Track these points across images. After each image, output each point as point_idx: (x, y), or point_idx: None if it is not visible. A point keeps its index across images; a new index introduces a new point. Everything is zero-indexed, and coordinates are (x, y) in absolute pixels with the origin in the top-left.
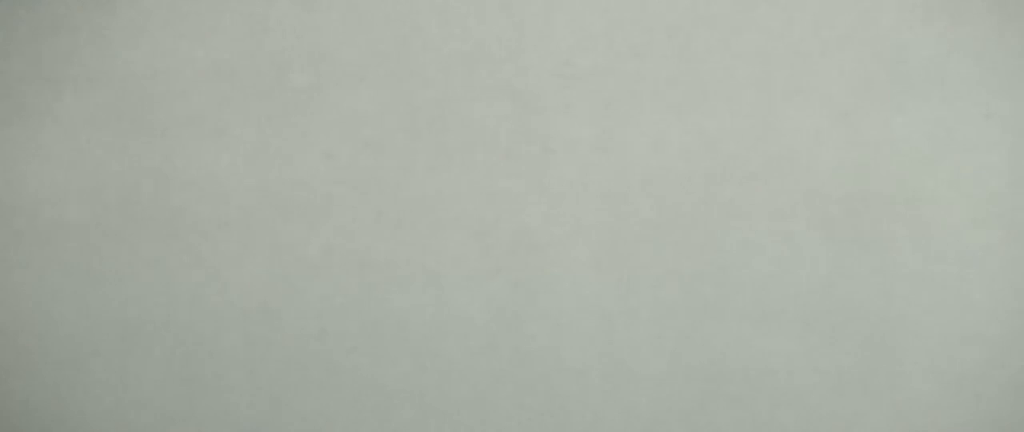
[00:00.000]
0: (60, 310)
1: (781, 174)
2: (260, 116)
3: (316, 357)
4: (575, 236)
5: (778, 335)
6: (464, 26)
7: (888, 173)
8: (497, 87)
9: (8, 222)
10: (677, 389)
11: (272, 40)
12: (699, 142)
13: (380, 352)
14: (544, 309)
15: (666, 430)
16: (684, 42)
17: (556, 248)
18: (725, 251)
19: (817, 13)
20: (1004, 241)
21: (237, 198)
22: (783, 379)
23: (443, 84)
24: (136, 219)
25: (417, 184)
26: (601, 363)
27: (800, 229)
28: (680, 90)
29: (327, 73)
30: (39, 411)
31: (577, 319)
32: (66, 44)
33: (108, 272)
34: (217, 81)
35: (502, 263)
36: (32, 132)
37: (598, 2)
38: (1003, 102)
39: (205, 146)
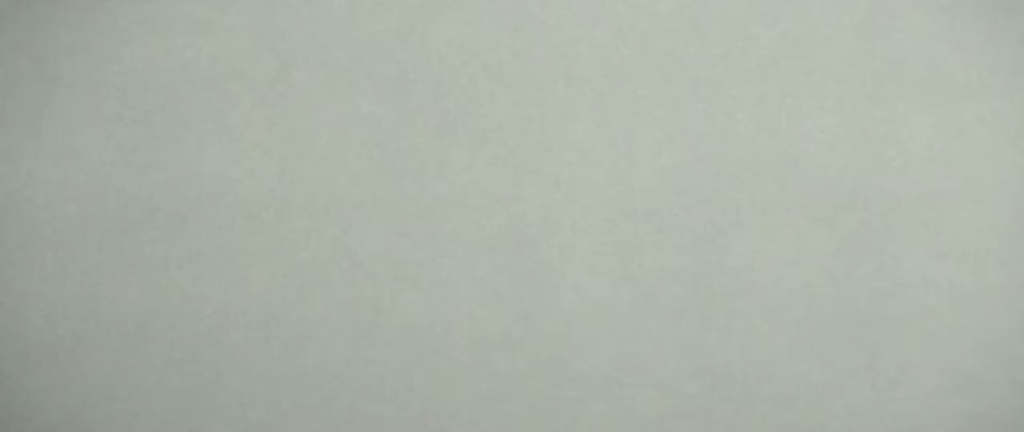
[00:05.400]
0: (61, 310)
1: (786, 174)
2: (263, 116)
3: (318, 356)
4: (579, 236)
5: (783, 333)
6: (468, 28)
7: (892, 173)
8: (501, 88)
9: (9, 221)
10: (682, 388)
11: (275, 41)
12: (704, 143)
13: (383, 352)
14: (548, 309)
15: (668, 427)
16: (689, 43)
17: (560, 248)
18: (729, 251)
19: (822, 14)
20: (1007, 241)
21: (239, 198)
22: (788, 377)
23: (446, 85)
24: (138, 219)
25: (421, 184)
26: (605, 361)
27: (805, 229)
28: (685, 91)
29: (330, 74)
30: (39, 411)
31: (581, 318)
32: (68, 44)
33: (110, 271)
34: (220, 81)
35: (506, 263)
36: (34, 132)
37: (602, 3)
38: (1007, 103)
39: (207, 146)
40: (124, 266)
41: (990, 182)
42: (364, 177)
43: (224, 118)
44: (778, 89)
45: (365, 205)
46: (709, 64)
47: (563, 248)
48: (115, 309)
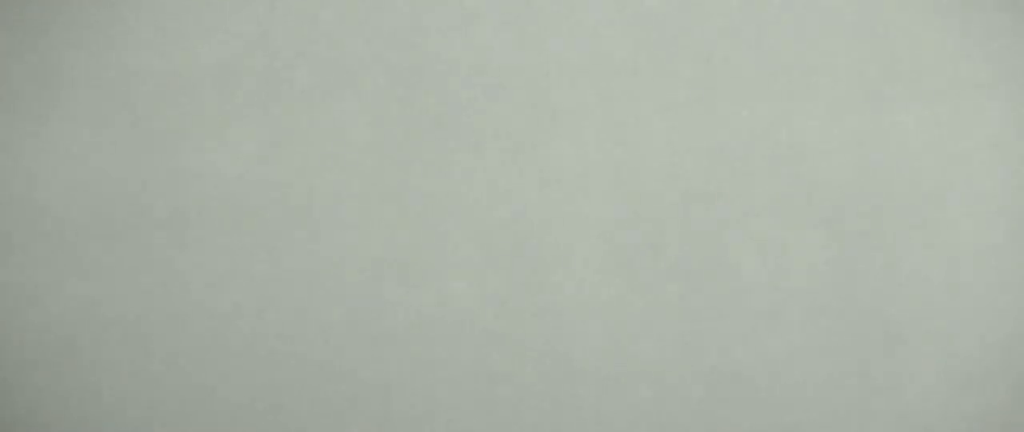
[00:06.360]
0: (61, 310)
1: (785, 173)
2: (264, 117)
3: (318, 355)
4: (579, 235)
5: (781, 332)
6: (468, 28)
7: (891, 173)
8: (501, 88)
9: (10, 220)
10: (681, 386)
11: (276, 41)
12: (704, 142)
13: (383, 351)
14: (547, 307)
15: (669, 427)
16: (689, 43)
17: (560, 247)
18: (729, 250)
19: (822, 14)
20: (1007, 241)
21: (240, 198)
22: (788, 376)
23: (447, 85)
24: (139, 219)
25: (421, 184)
26: (605, 360)
27: (804, 228)
28: (685, 90)
29: (331, 74)
30: (39, 411)
31: (580, 317)
32: (70, 44)
33: (110, 271)
34: (220, 82)
35: (506, 262)
36: (35, 132)
37: (602, 4)
38: (1007, 103)
39: (208, 146)
40: (124, 266)
41: (990, 182)
42: (364, 177)
43: (224, 118)
44: (778, 89)
45: (365, 205)
46: (709, 64)
47: (563, 247)
48: (115, 309)
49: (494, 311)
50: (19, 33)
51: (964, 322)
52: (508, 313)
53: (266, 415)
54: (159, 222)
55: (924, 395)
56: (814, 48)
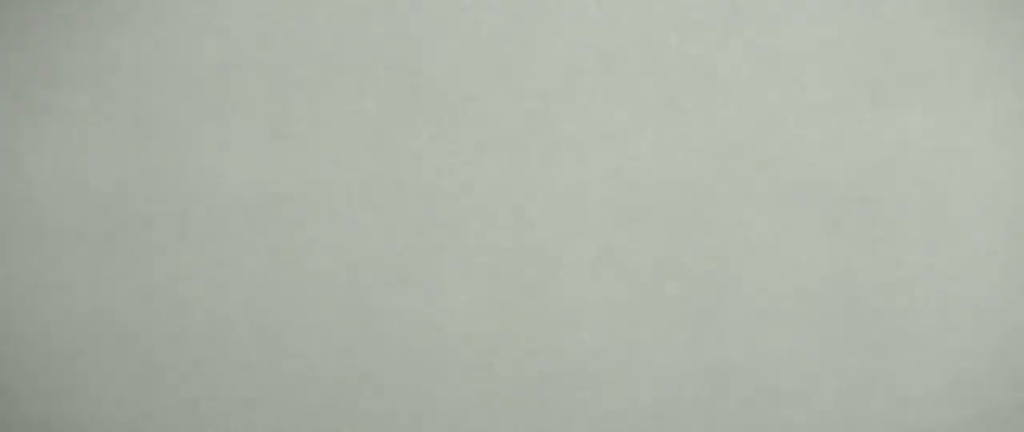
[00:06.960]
0: (60, 310)
1: (785, 173)
2: (263, 116)
3: (318, 356)
4: (579, 235)
5: (781, 333)
6: (469, 28)
7: (891, 173)
8: (501, 87)
9: (10, 221)
10: (681, 386)
11: (275, 40)
12: (704, 142)
13: (384, 351)
14: (547, 307)
15: (669, 426)
16: (689, 43)
17: (560, 247)
18: (729, 250)
19: (821, 14)
20: (1007, 241)
21: (240, 197)
22: (788, 376)
23: (447, 85)
24: (138, 218)
25: (421, 184)
26: (604, 361)
27: (804, 228)
28: (685, 90)
29: (331, 73)
30: (39, 411)
31: (580, 317)
32: (69, 44)
33: (110, 270)
34: (220, 81)
35: (506, 261)
36: (35, 132)
37: (602, 3)
38: (1007, 103)
39: (208, 146)
40: (123, 265)
41: (990, 182)
42: (364, 177)
43: (224, 118)
44: (778, 89)
45: (364, 205)
46: (709, 64)
47: (563, 247)
48: (114, 308)
49: (493, 311)
50: (19, 33)
51: (964, 322)
52: (507, 313)
53: (266, 415)
54: (159, 222)
55: (924, 395)
56: (813, 48)
